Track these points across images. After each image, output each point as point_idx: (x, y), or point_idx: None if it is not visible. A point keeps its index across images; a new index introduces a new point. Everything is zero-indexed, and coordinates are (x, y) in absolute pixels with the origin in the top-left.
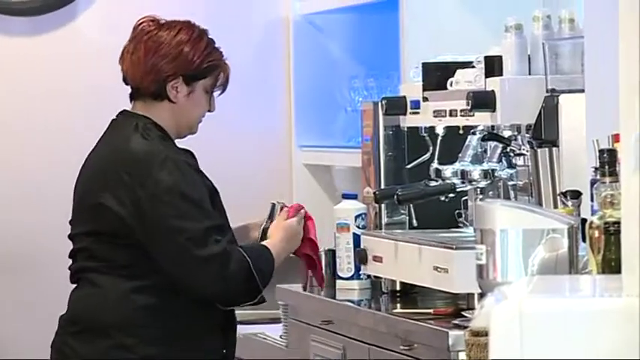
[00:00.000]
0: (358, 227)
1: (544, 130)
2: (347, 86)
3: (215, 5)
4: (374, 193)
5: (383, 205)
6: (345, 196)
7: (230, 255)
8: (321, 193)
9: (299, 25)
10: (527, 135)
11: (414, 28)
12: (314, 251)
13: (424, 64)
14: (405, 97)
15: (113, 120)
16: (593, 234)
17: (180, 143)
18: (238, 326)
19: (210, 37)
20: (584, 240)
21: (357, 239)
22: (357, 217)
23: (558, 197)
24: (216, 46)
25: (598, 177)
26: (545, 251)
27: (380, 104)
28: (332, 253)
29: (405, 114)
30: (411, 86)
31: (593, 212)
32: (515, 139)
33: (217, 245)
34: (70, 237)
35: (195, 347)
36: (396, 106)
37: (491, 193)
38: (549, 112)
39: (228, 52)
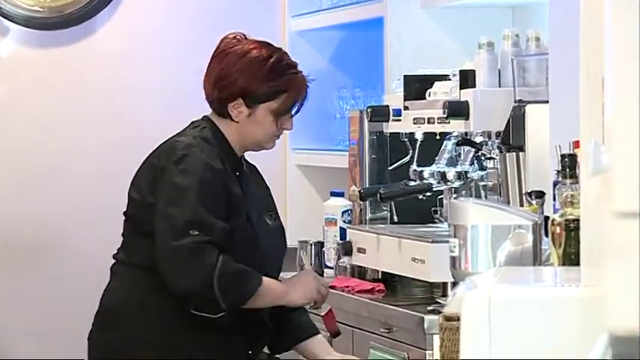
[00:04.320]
0: (344, 222)
1: (512, 137)
2: (336, 96)
3: (222, 23)
4: (359, 191)
5: (367, 202)
6: (333, 194)
7: (199, 253)
8: (312, 191)
9: (294, 41)
10: (497, 140)
11: (396, 44)
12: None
13: (405, 77)
14: (388, 105)
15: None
16: (555, 230)
17: None
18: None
19: (281, 60)
20: (546, 235)
21: (343, 233)
22: (343, 212)
23: (524, 197)
24: (289, 69)
25: (560, 179)
26: (511, 245)
27: (365, 112)
28: (320, 245)
29: (387, 121)
30: (393, 96)
31: (555, 210)
32: (486, 144)
33: (189, 238)
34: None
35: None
36: (380, 113)
37: (464, 192)
38: (517, 120)
39: None
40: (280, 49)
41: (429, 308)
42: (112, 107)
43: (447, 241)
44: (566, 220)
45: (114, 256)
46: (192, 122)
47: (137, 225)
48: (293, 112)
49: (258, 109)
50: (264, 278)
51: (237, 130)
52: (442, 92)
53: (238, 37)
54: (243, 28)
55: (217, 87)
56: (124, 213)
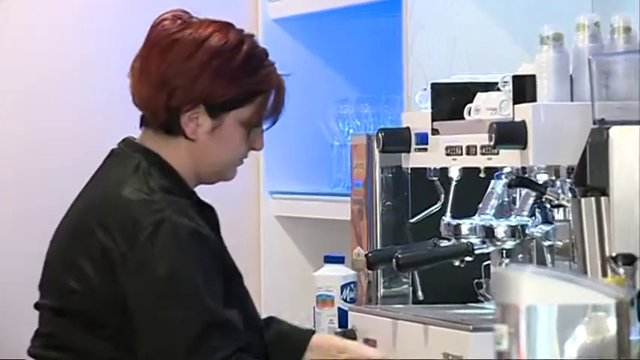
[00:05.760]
0: (345, 300)
1: (590, 174)
2: (333, 113)
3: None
4: (366, 255)
5: (378, 272)
6: (329, 260)
7: None
8: (297, 254)
9: (271, 32)
10: (569, 180)
11: (421, 37)
12: None
13: (434, 86)
14: (408, 128)
15: (112, 151)
16: None
17: None
18: None
19: (256, 47)
20: (639, 319)
21: (343, 316)
22: (343, 287)
23: (607, 262)
24: (264, 59)
25: None
26: (586, 334)
27: (376, 138)
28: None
29: (408, 151)
30: (416, 114)
31: None
32: (553, 186)
33: (219, 353)
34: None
35: None
36: (397, 140)
37: (520, 256)
38: (597, 149)
39: None
40: (242, 30)
41: None
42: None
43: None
44: None
45: (31, 353)
46: (114, 151)
47: (84, 321)
48: (266, 123)
49: (225, 119)
50: None
51: (192, 153)
52: (488, 109)
53: (183, 18)
54: (197, 12)
55: (165, 91)
56: (50, 307)
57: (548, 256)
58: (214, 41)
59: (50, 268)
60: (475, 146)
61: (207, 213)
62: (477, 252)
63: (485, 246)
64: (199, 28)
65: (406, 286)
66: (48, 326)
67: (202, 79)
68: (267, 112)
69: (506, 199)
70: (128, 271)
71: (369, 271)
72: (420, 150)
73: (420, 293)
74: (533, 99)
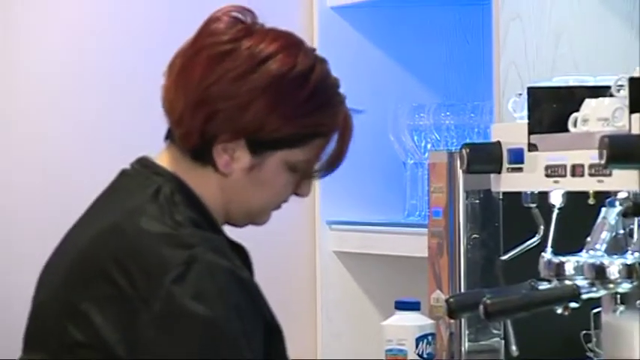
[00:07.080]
0: (421, 357)
1: None
2: (406, 124)
3: None
4: (447, 300)
5: (462, 321)
6: (401, 306)
7: None
8: (361, 298)
9: (328, 23)
10: None
11: (516, 29)
12: None
13: (532, 90)
14: (499, 143)
15: (123, 172)
16: None
17: None
18: None
19: (327, 77)
20: None
21: None
22: (419, 339)
23: None
24: (335, 95)
25: None
26: None
27: (459, 155)
28: None
29: (499, 171)
30: (509, 126)
31: None
32: None
33: None
34: None
35: None
36: (486, 157)
37: (638, 302)
38: None
39: None
40: (314, 50)
41: None
42: None
43: None
44: None
45: None
46: (125, 172)
47: None
48: (321, 172)
49: (269, 159)
50: None
51: (222, 189)
52: (598, 119)
53: (246, 22)
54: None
55: (203, 111)
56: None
57: None
58: (277, 64)
59: (42, 314)
60: (582, 165)
61: (240, 254)
62: (584, 297)
63: (594, 289)
64: (261, 42)
65: (497, 338)
66: None
67: (252, 109)
68: (325, 159)
69: (621, 232)
70: (150, 320)
71: (451, 321)
72: (513, 170)
73: (513, 347)
74: None
